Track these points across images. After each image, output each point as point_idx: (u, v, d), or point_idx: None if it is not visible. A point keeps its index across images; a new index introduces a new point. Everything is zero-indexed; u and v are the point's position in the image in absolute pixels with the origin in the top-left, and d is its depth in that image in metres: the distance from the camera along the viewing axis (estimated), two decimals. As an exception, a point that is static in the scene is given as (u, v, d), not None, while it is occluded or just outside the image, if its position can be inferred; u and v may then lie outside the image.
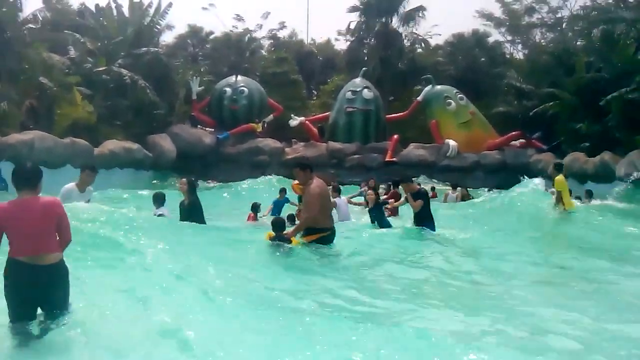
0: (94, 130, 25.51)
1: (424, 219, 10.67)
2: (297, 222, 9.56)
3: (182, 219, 9.77)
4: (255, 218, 14.50)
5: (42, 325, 4.83)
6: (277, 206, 15.55)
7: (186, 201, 9.90)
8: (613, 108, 24.40)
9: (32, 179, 5.00)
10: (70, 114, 24.79)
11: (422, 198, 10.66)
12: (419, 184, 13.56)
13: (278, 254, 8.11)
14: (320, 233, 8.36)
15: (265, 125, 33.45)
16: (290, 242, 8.29)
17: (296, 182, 10.57)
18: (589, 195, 18.03)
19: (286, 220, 9.56)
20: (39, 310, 4.90)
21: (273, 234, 8.42)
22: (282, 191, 16.17)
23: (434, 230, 10.68)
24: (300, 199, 10.27)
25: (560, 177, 12.56)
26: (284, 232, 8.42)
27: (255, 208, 14.66)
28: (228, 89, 33.45)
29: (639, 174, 19.42)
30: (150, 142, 28.34)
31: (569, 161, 25.58)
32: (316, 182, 8.34)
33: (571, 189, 14.81)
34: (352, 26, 43.62)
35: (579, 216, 12.96)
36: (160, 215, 9.78)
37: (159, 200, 10.01)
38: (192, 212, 9.78)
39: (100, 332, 4.98)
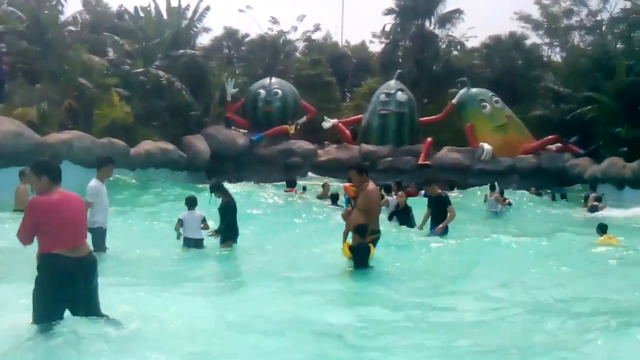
0: (131, 130, 25.91)
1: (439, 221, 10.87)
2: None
3: (220, 220, 10.11)
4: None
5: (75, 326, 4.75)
6: None
7: (223, 202, 10.19)
8: (654, 112, 23.89)
9: (60, 174, 5.08)
10: (108, 115, 25.23)
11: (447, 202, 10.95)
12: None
13: None
14: (373, 235, 8.47)
15: (299, 127, 33.58)
16: (369, 250, 8.30)
17: (348, 184, 11.00)
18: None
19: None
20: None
21: (350, 242, 8.32)
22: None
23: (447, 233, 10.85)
24: (348, 200, 10.56)
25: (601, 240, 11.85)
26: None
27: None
28: (262, 91, 33.67)
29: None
30: (185, 142, 28.67)
31: (607, 166, 25.11)
32: (373, 185, 8.55)
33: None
34: (387, 28, 43.52)
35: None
36: (179, 220, 10.17)
37: (191, 203, 10.27)
38: (225, 212, 10.03)
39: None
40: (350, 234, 8.47)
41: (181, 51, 31.22)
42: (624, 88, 26.78)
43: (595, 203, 19.13)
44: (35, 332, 4.70)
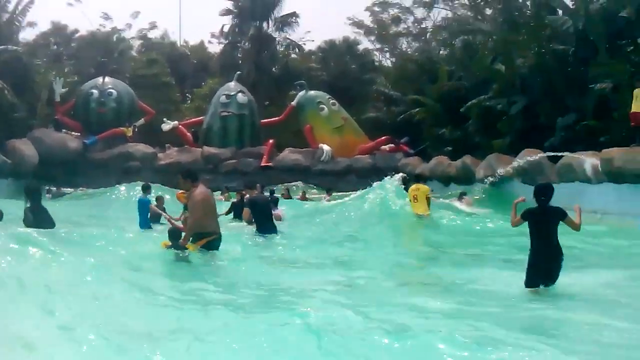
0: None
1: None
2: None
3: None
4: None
5: None
6: (143, 205, 15.09)
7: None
8: (472, 114, 26.07)
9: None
10: None
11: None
12: None
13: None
14: (207, 237, 8.84)
15: (136, 130, 32.31)
16: (185, 249, 8.81)
17: (180, 191, 11.20)
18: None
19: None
20: None
21: (169, 242, 8.97)
22: (147, 189, 15.87)
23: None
24: (185, 207, 11.19)
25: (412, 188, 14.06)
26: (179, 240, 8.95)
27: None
28: (95, 91, 31.97)
29: (496, 177, 20.87)
30: (9, 147, 26.42)
31: (434, 165, 27.02)
32: (200, 189, 8.90)
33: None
34: (226, 29, 43.35)
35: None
36: None
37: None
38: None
39: None
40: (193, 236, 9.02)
41: (2, 47, 28.78)
42: (446, 92, 28.99)
43: None
44: None
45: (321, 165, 30.35)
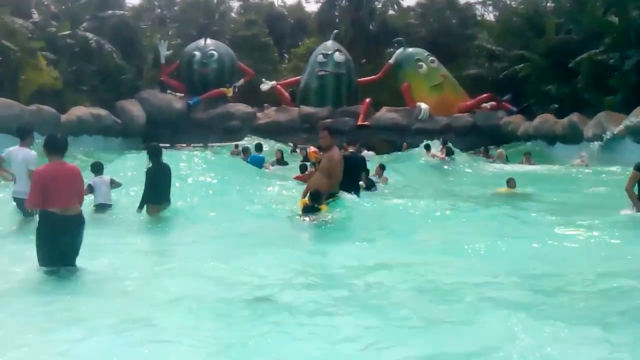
0: (60, 96, 24.92)
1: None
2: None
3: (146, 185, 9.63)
4: None
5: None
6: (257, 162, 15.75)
7: (146, 167, 9.69)
8: (582, 70, 24.63)
9: (63, 148, 6.05)
10: (35, 80, 24.11)
11: None
12: None
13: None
14: (334, 197, 9.16)
15: (236, 90, 33.03)
16: (319, 210, 8.93)
17: (313, 149, 12.13)
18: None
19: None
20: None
21: (307, 201, 8.98)
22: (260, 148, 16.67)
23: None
24: (312, 164, 11.85)
25: None
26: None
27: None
28: (197, 53, 32.85)
29: (607, 136, 19.67)
30: (119, 107, 27.86)
31: (539, 123, 25.89)
32: (337, 151, 9.16)
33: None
34: (323, -13, 43.03)
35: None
36: (89, 185, 9.58)
37: (97, 169, 10.19)
38: (152, 179, 9.52)
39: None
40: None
41: (110, 12, 30.11)
42: (554, 46, 27.50)
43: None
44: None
45: (419, 123, 29.80)
